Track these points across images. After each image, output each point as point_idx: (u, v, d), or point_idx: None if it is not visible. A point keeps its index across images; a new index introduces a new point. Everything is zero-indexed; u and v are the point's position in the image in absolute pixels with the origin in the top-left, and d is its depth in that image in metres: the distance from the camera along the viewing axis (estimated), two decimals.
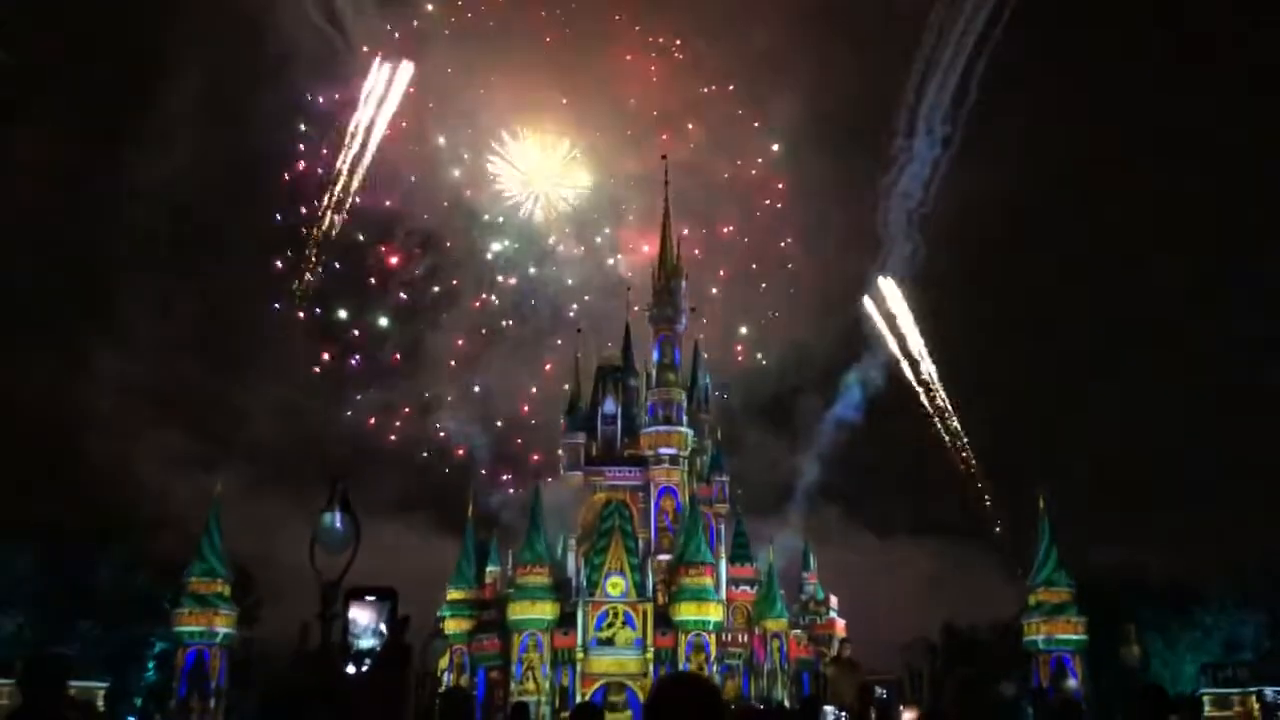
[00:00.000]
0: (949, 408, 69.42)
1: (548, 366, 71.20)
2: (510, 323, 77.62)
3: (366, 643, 4.75)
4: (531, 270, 77.03)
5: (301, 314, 74.38)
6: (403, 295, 77.10)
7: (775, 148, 76.20)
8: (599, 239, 76.85)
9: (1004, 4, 63.46)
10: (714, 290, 69.57)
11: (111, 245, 70.35)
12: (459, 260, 77.59)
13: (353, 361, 78.19)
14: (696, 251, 66.96)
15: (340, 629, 4.95)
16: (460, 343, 77.87)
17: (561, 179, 76.63)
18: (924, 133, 69.42)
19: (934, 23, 66.66)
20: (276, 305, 75.12)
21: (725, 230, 77.84)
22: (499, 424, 75.33)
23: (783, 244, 76.26)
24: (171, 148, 64.24)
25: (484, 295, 77.89)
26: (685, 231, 60.15)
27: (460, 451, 74.51)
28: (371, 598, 4.89)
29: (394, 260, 76.75)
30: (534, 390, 73.43)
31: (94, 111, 64.82)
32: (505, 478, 67.08)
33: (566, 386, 58.15)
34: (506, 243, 76.69)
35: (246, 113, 70.63)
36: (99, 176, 66.15)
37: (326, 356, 75.90)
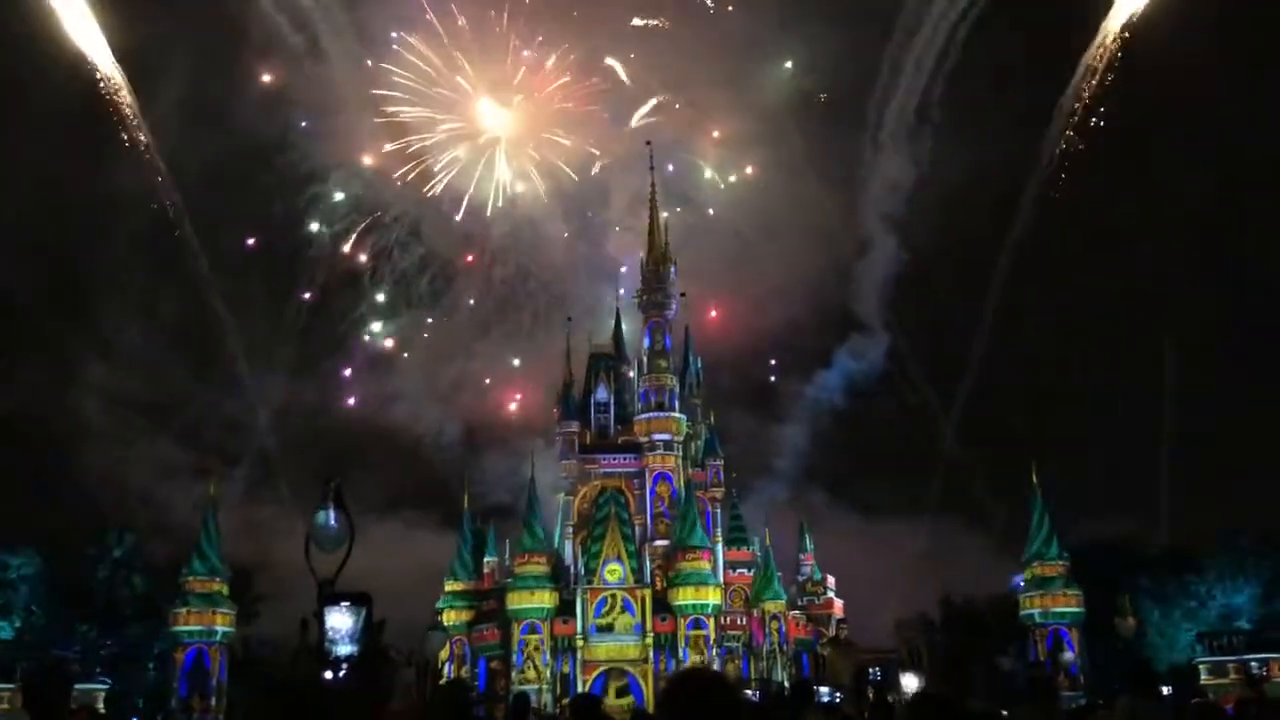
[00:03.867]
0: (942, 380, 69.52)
1: (540, 353, 71.09)
2: (503, 310, 77.46)
3: (344, 649, 4.76)
4: (523, 260, 76.81)
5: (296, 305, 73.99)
6: (395, 284, 76.86)
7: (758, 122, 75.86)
8: (589, 214, 76.55)
9: None
10: (701, 269, 69.56)
11: (95, 251, 70.23)
12: (449, 248, 77.44)
13: (347, 368, 78.06)
14: (684, 230, 66.69)
15: (317, 635, 4.97)
16: (453, 330, 77.88)
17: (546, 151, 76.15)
18: (906, 108, 69.56)
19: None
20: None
21: (710, 210, 77.63)
22: (492, 411, 75.30)
23: (768, 223, 76.02)
24: (152, 149, 63.96)
25: (479, 283, 77.75)
26: (677, 210, 59.93)
27: (459, 439, 74.49)
28: (346, 603, 4.90)
29: (384, 252, 76.43)
30: (528, 377, 73.27)
31: (74, 115, 64.41)
32: (499, 465, 66.94)
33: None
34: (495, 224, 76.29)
35: (230, 109, 70.36)
36: (79, 181, 65.76)
37: (314, 346, 75.56)
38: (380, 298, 77.54)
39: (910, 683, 30.49)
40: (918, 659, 45.07)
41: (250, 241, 74.67)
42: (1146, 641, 49.88)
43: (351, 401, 77.21)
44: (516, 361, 76.63)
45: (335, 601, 4.81)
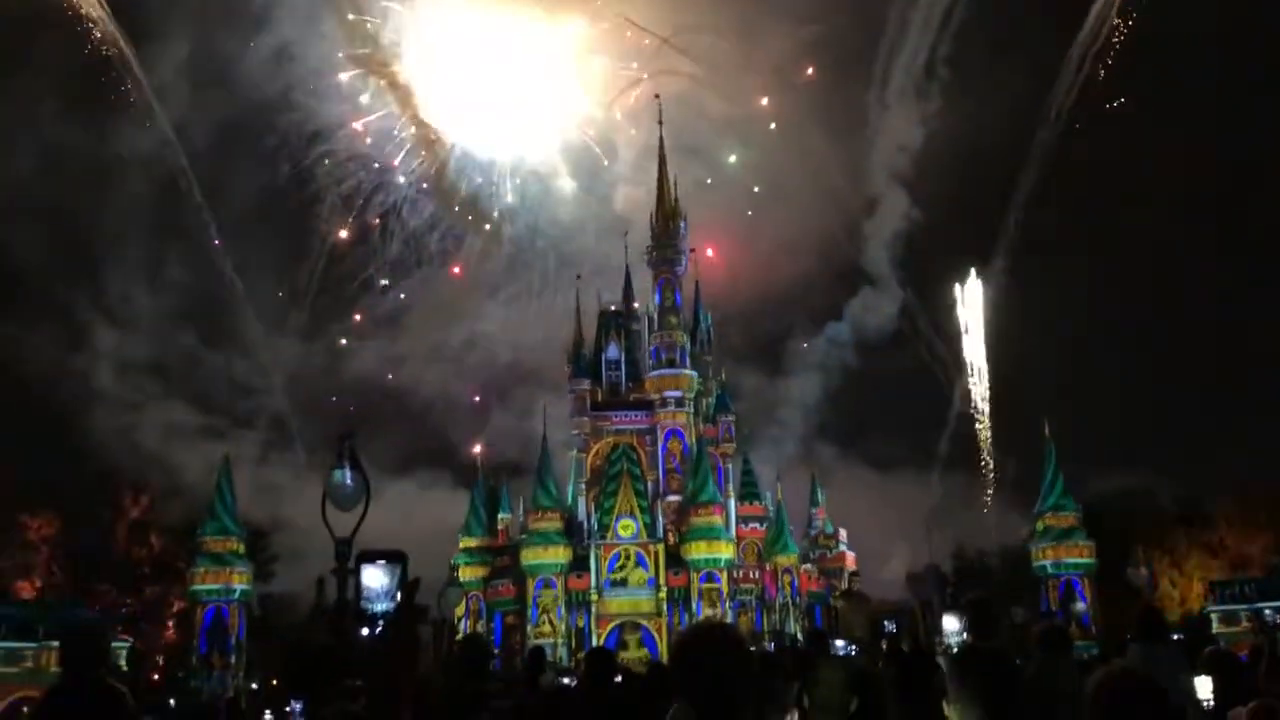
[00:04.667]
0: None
1: (550, 312, 71.03)
2: (513, 268, 77.28)
3: (380, 606, 4.84)
4: (533, 220, 76.43)
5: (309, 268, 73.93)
6: (405, 245, 76.63)
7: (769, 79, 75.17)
8: (600, 172, 76.09)
9: None
10: (712, 226, 69.29)
11: (102, 215, 70.24)
12: (461, 207, 77.09)
13: (356, 317, 78.09)
14: (693, 186, 66.35)
15: (353, 593, 5.05)
16: (463, 290, 77.81)
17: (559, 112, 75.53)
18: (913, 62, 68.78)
19: None
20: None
21: (725, 161, 77.02)
22: (504, 371, 75.41)
23: (777, 179, 75.55)
24: (158, 112, 63.75)
25: (488, 243, 77.49)
26: (680, 174, 59.46)
27: (471, 398, 74.73)
28: (382, 561, 4.96)
29: (393, 211, 76.11)
30: (538, 336, 73.24)
31: (80, 78, 64.17)
32: (510, 424, 67.20)
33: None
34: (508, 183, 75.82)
35: (234, 72, 69.92)
36: (85, 144, 65.65)
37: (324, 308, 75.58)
38: (389, 257, 77.42)
39: (950, 624, 30.28)
40: (929, 611, 45.35)
41: (257, 203, 74.49)
42: (1158, 592, 50.08)
43: (361, 362, 77.46)
44: (527, 319, 76.63)
45: (371, 560, 4.87)
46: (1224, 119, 68.31)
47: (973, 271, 67.87)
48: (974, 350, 68.55)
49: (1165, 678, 3.67)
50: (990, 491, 66.60)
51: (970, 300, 67.95)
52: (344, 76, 72.63)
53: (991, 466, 66.42)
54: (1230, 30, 62.46)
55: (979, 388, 67.40)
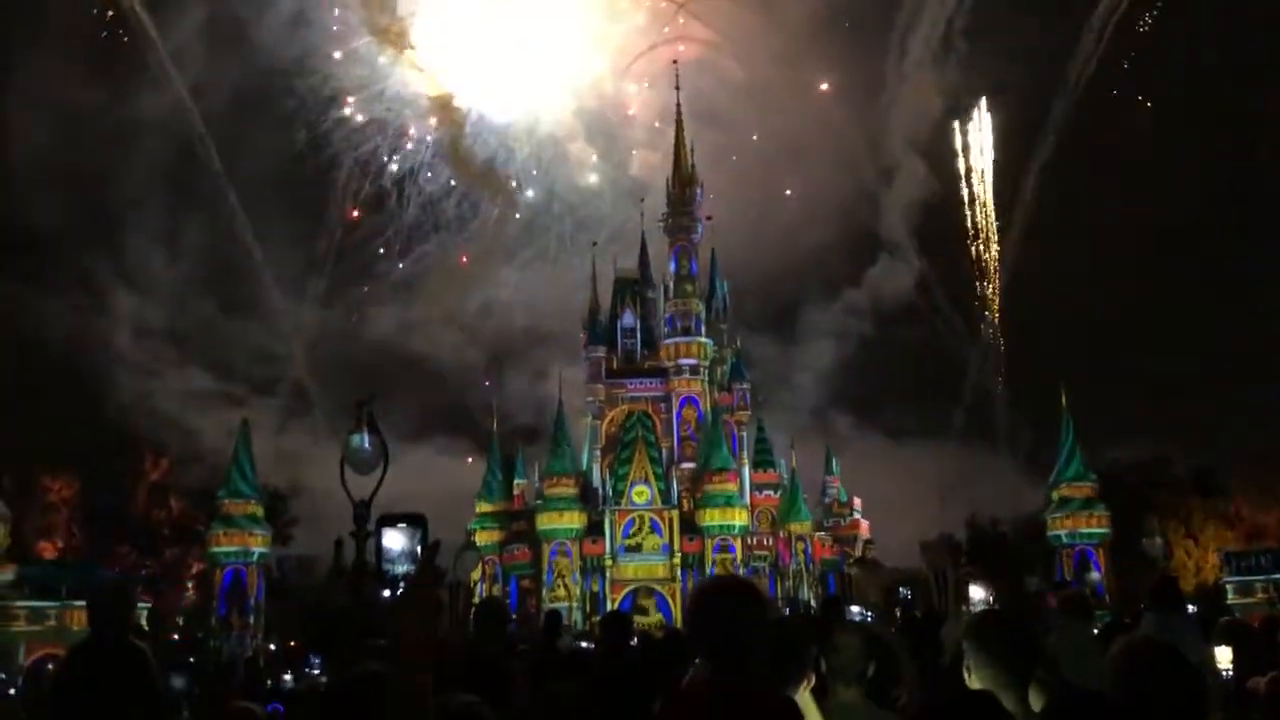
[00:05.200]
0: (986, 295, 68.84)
1: (566, 278, 71.00)
2: (529, 234, 77.15)
3: (401, 568, 4.88)
4: (550, 184, 76.15)
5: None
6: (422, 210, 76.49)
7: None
8: (617, 137, 75.73)
9: None
10: (726, 184, 69.07)
11: (121, 180, 70.33)
12: (477, 172, 76.86)
13: (373, 283, 78.15)
14: (711, 152, 66.02)
15: (374, 555, 5.09)
16: (480, 256, 77.79)
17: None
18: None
19: None
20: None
21: (743, 128, 76.57)
22: (520, 337, 75.50)
23: (797, 146, 75.15)
24: (174, 76, 63.66)
25: (504, 208, 77.35)
26: (697, 141, 59.15)
27: (487, 365, 74.92)
28: (403, 525, 5.00)
29: (410, 176, 75.94)
30: (554, 303, 73.20)
31: (97, 42, 64.10)
32: (526, 390, 67.37)
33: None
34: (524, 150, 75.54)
35: (250, 36, 69.68)
36: (104, 109, 65.63)
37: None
38: (407, 222, 77.36)
39: (978, 594, 30.30)
40: (943, 582, 45.43)
41: (274, 168, 74.43)
42: (1173, 562, 50.01)
43: (378, 329, 77.65)
44: (543, 285, 76.57)
45: (391, 522, 4.91)
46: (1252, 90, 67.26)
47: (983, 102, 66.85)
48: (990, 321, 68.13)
49: (1181, 647, 3.68)
50: (1002, 461, 66.55)
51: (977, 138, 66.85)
52: (360, 41, 72.39)
53: (1007, 433, 66.27)
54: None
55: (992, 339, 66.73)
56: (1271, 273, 69.57)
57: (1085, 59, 62.14)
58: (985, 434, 70.44)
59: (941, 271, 72.77)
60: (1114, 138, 70.15)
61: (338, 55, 72.02)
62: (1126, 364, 71.72)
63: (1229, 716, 5.77)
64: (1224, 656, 6.94)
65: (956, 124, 70.10)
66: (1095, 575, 44.27)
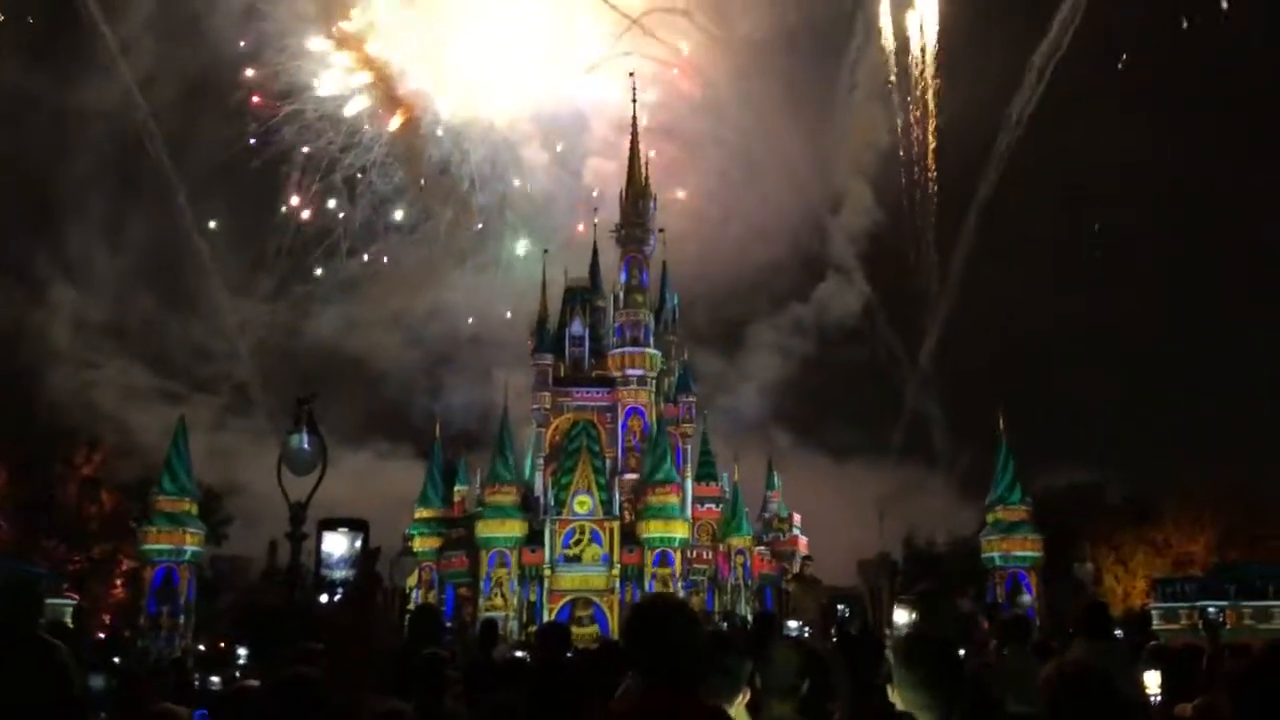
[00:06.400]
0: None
1: (515, 284, 70.64)
2: (481, 239, 76.70)
3: (339, 573, 4.83)
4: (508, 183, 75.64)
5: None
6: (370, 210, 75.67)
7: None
8: (563, 147, 75.64)
9: None
10: (679, 197, 69.25)
11: (62, 169, 68.77)
12: (430, 174, 76.31)
13: (318, 280, 77.18)
14: (665, 164, 66.28)
15: (313, 559, 5.03)
16: (429, 259, 77.17)
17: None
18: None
19: None
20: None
21: (696, 143, 76.93)
22: (466, 342, 74.98)
23: (750, 164, 75.66)
24: (119, 67, 62.56)
25: (457, 211, 76.83)
26: (652, 154, 59.36)
27: (431, 369, 74.29)
28: (344, 529, 4.94)
29: (362, 174, 75.11)
30: (505, 311, 72.83)
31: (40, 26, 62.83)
32: (470, 395, 66.92)
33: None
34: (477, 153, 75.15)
35: (201, 27, 68.63)
36: (46, 96, 64.25)
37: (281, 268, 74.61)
38: (356, 221, 76.49)
39: (901, 617, 30.71)
40: (878, 598, 45.88)
41: (222, 162, 73.23)
42: (1104, 587, 50.96)
43: (322, 330, 76.62)
44: (492, 291, 76.14)
45: (332, 526, 4.85)
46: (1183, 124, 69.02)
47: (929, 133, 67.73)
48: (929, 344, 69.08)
49: (1111, 672, 3.74)
50: (939, 482, 67.52)
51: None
52: (314, 37, 71.61)
53: (943, 455, 67.26)
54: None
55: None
56: (1211, 304, 71.45)
57: (1029, 95, 63.57)
58: (923, 455, 71.39)
59: (885, 294, 73.68)
60: (1054, 167, 71.61)
61: (291, 49, 71.17)
62: (1062, 390, 73.12)
63: None
64: (1152, 681, 7.07)
65: (901, 153, 71.11)
66: (1027, 598, 44.90)
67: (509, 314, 68.40)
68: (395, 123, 74.83)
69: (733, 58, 74.98)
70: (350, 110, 73.77)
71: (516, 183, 76.15)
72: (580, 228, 66.93)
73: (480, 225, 76.95)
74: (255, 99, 70.00)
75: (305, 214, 74.13)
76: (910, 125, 69.14)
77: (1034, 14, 64.45)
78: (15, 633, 5.22)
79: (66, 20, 61.19)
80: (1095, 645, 7.33)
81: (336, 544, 4.92)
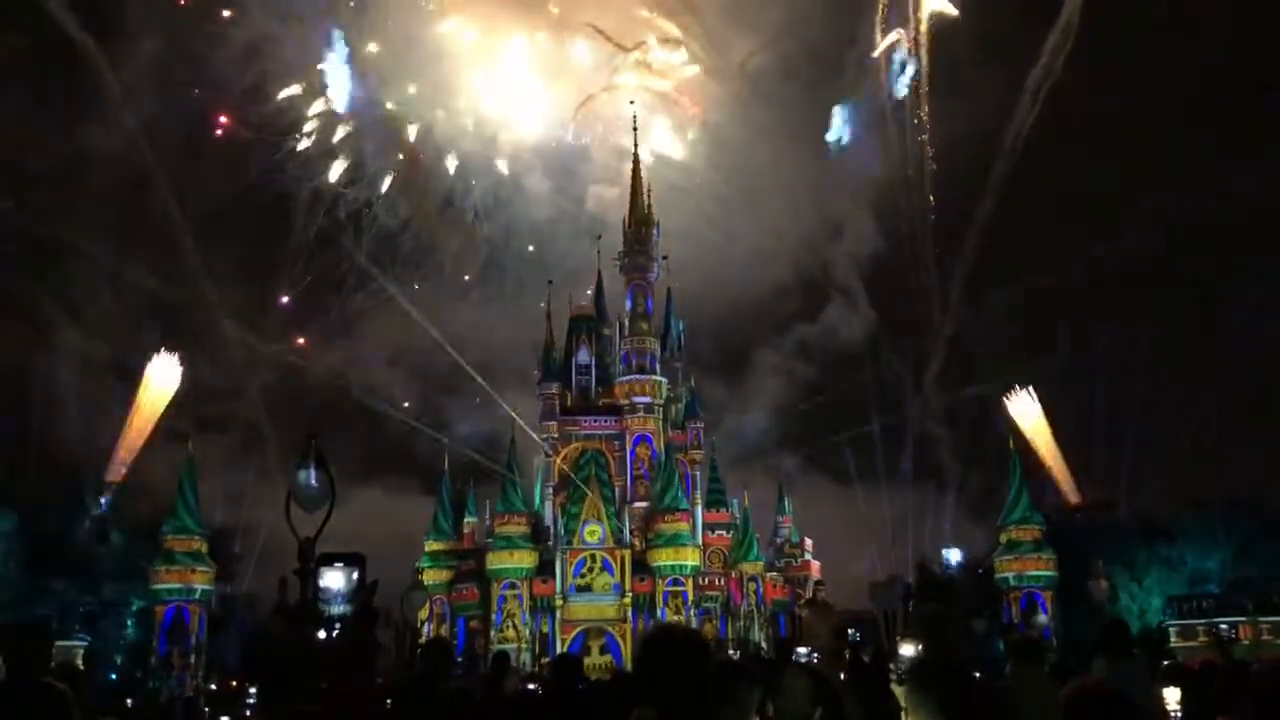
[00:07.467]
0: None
1: (522, 314, 70.74)
2: (486, 270, 76.90)
3: (337, 608, 4.80)
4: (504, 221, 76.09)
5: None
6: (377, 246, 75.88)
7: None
8: (565, 176, 75.97)
9: None
10: (681, 223, 69.66)
11: (63, 215, 69.04)
12: (435, 207, 76.59)
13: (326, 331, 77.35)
14: (667, 192, 66.45)
15: (312, 595, 5.00)
16: (434, 292, 77.30)
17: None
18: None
19: None
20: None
21: (700, 174, 77.22)
22: (473, 375, 74.96)
23: (750, 191, 75.89)
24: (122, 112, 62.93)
25: (462, 244, 77.08)
26: (652, 181, 59.51)
27: (438, 401, 74.22)
28: (340, 564, 4.92)
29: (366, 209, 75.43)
30: (509, 339, 72.84)
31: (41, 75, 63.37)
32: (479, 426, 66.85)
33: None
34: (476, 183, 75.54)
35: (206, 64, 69.17)
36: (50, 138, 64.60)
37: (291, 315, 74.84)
38: (362, 256, 76.69)
39: (908, 650, 30.44)
40: (893, 623, 45.59)
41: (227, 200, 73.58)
42: (1119, 606, 50.54)
43: (329, 366, 76.67)
44: (498, 322, 76.25)
45: (329, 562, 4.83)
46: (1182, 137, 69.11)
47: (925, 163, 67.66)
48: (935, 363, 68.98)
49: (1132, 691, 3.69)
50: (951, 504, 67.17)
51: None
52: (316, 72, 72.10)
53: (954, 477, 66.94)
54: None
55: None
56: (1215, 320, 71.24)
57: (1022, 120, 63.78)
58: (933, 477, 71.00)
59: (890, 317, 73.50)
60: (1053, 186, 71.68)
61: (294, 88, 71.69)
62: (1077, 407, 72.70)
63: None
64: (1172, 697, 7.00)
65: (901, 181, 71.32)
66: (1043, 618, 44.67)
67: (515, 344, 68.34)
68: (400, 156, 75.31)
69: (730, 85, 75.47)
70: (353, 145, 74.25)
71: (520, 213, 76.41)
72: (584, 256, 67.05)
73: (484, 256, 77.22)
74: (256, 136, 70.52)
75: (310, 250, 74.39)
76: (906, 151, 69.32)
77: (1031, 37, 64.62)
78: (23, 679, 5.20)
79: (68, 60, 61.61)
80: (1116, 663, 7.25)
81: (335, 579, 4.90)
